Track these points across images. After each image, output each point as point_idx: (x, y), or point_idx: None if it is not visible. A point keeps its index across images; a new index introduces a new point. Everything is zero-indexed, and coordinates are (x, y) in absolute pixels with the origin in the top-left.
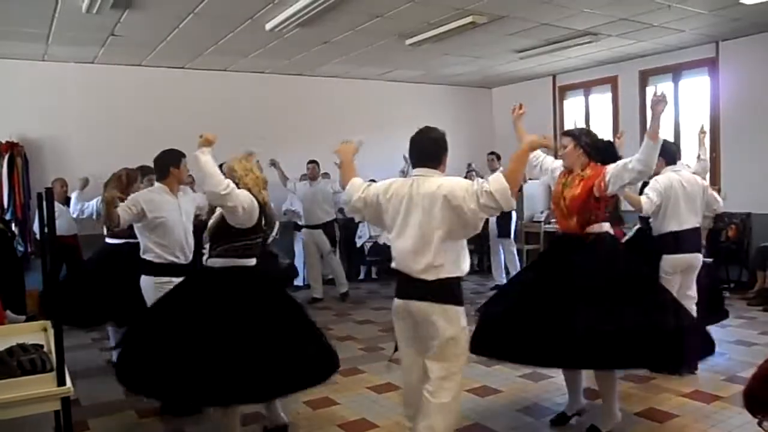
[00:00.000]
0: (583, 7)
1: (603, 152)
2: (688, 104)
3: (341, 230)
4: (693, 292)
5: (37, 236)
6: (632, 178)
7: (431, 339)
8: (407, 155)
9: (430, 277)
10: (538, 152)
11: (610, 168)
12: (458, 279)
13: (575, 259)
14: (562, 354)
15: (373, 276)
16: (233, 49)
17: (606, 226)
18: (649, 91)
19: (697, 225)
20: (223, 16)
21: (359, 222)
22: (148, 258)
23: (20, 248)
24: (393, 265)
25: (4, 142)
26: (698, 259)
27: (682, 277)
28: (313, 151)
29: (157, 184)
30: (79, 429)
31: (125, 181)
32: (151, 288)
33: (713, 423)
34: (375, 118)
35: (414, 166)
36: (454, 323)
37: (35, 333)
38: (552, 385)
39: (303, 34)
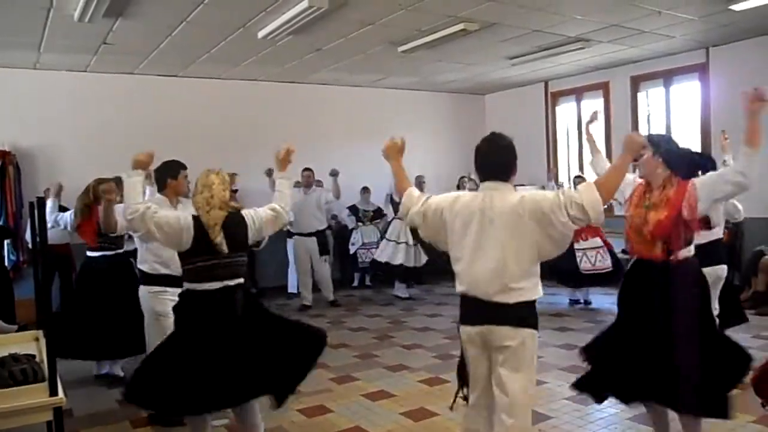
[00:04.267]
0: (574, 13)
1: (687, 162)
2: (679, 109)
3: (335, 237)
4: (716, 304)
5: (29, 245)
6: (728, 193)
7: (504, 367)
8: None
9: (511, 300)
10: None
11: (700, 182)
12: (534, 302)
13: (663, 295)
14: (663, 391)
15: (367, 283)
16: (226, 57)
17: (692, 249)
18: (641, 97)
19: (721, 236)
20: (215, 24)
21: (352, 229)
22: (142, 268)
23: (12, 257)
24: (461, 289)
25: None
26: (723, 270)
27: None
28: (306, 159)
29: (156, 195)
30: None
31: (92, 195)
32: (146, 297)
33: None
34: (368, 125)
35: (483, 179)
36: (531, 349)
37: (27, 343)
38: (546, 392)
39: (295, 42)
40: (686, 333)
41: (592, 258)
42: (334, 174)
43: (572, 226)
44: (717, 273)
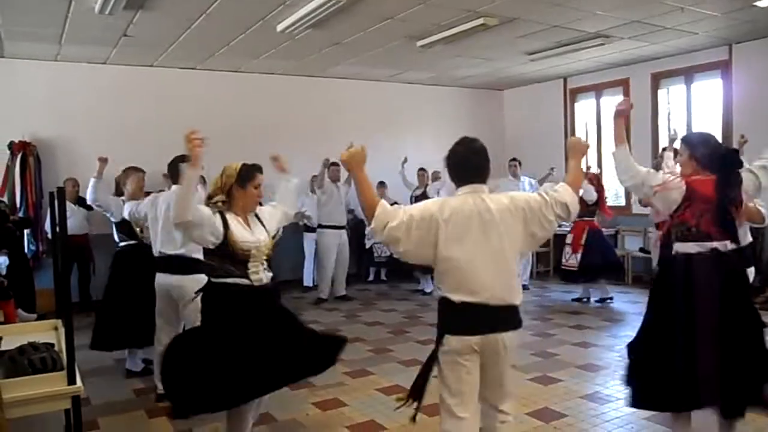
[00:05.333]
0: (594, 9)
1: (725, 161)
2: (701, 107)
3: (351, 232)
4: None
5: (49, 235)
6: (755, 187)
7: (502, 375)
8: (406, 158)
9: (516, 301)
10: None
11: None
12: None
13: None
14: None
15: (383, 278)
16: (245, 50)
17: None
18: (661, 94)
19: (750, 240)
20: (234, 17)
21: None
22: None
23: (32, 247)
24: (463, 298)
25: (16, 141)
26: (750, 273)
27: None
28: (323, 152)
29: (174, 187)
30: (89, 428)
31: (144, 184)
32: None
33: None
34: (386, 119)
35: (464, 183)
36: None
37: (46, 332)
38: (561, 389)
39: (314, 36)
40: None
41: (568, 255)
42: (326, 163)
43: (555, 225)
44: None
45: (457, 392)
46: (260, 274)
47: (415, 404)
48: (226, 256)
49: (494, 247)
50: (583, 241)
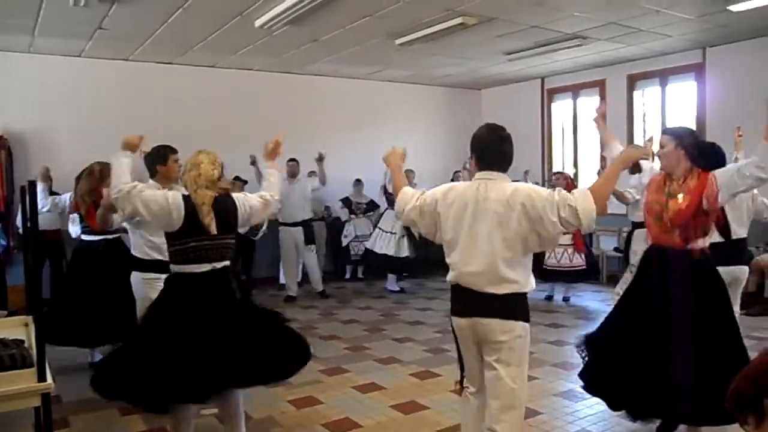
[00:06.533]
0: (572, 10)
1: (707, 156)
2: (675, 109)
3: (328, 229)
4: (737, 308)
5: (20, 230)
6: (749, 186)
7: (496, 361)
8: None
9: (500, 291)
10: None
11: (719, 175)
12: (526, 295)
13: (677, 285)
14: (659, 406)
15: (359, 276)
16: (222, 45)
17: (707, 240)
18: (637, 95)
19: (744, 236)
20: (212, 11)
21: (345, 221)
22: (136, 255)
23: (2, 242)
24: (452, 278)
25: None
26: (744, 272)
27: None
28: (300, 149)
29: (149, 182)
30: (60, 426)
31: (98, 176)
32: (140, 284)
33: None
34: (364, 117)
35: (483, 168)
36: (522, 342)
37: (16, 328)
38: (536, 387)
39: (292, 32)
40: (707, 331)
41: (559, 255)
42: (321, 159)
43: (561, 229)
44: (736, 274)
45: (465, 367)
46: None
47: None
48: (183, 238)
49: (482, 236)
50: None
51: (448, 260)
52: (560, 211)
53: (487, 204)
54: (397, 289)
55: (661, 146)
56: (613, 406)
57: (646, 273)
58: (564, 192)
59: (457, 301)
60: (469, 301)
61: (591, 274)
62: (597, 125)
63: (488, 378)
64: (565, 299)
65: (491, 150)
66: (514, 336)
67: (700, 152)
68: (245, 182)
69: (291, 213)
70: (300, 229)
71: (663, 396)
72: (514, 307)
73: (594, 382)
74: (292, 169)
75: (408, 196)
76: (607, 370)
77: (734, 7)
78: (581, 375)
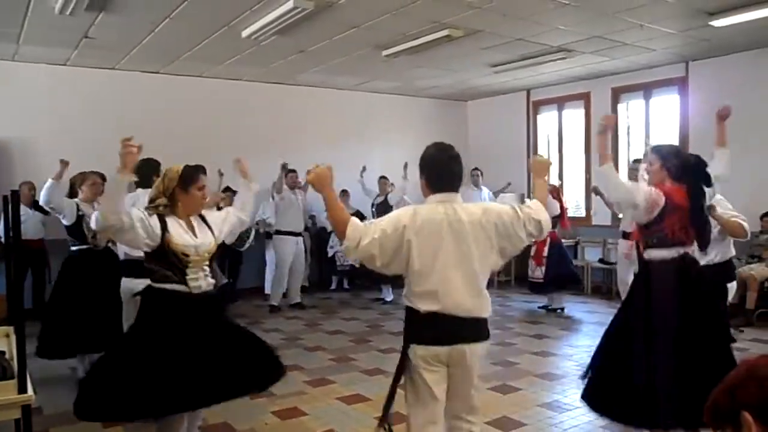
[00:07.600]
0: (557, 23)
1: (693, 171)
2: (659, 122)
3: (312, 239)
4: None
5: (2, 240)
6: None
7: (471, 377)
8: (365, 167)
9: (484, 314)
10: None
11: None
12: None
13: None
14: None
15: (345, 286)
16: (209, 55)
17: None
18: (621, 108)
19: (732, 255)
20: (199, 21)
21: (331, 231)
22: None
23: None
24: (433, 308)
25: None
26: (732, 287)
27: None
28: (288, 160)
29: (139, 190)
30: None
31: (101, 189)
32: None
33: None
34: (350, 128)
35: (438, 190)
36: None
37: None
38: (520, 398)
39: (280, 43)
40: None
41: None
42: (284, 168)
43: (525, 242)
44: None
45: (425, 403)
46: (199, 281)
47: (387, 426)
48: (163, 260)
49: (463, 259)
50: (545, 254)
51: (416, 289)
52: (527, 226)
53: (461, 226)
54: (391, 298)
55: (650, 164)
56: (619, 418)
57: (633, 291)
58: (524, 207)
59: (435, 329)
60: (454, 329)
61: (548, 289)
62: (600, 138)
63: (458, 395)
64: (553, 309)
65: (446, 171)
66: (484, 353)
67: (684, 171)
68: (235, 192)
69: (291, 223)
70: (301, 238)
71: (654, 403)
72: (487, 327)
73: (595, 398)
74: (293, 180)
75: (362, 229)
76: (606, 384)
77: (716, 23)
78: (584, 397)
